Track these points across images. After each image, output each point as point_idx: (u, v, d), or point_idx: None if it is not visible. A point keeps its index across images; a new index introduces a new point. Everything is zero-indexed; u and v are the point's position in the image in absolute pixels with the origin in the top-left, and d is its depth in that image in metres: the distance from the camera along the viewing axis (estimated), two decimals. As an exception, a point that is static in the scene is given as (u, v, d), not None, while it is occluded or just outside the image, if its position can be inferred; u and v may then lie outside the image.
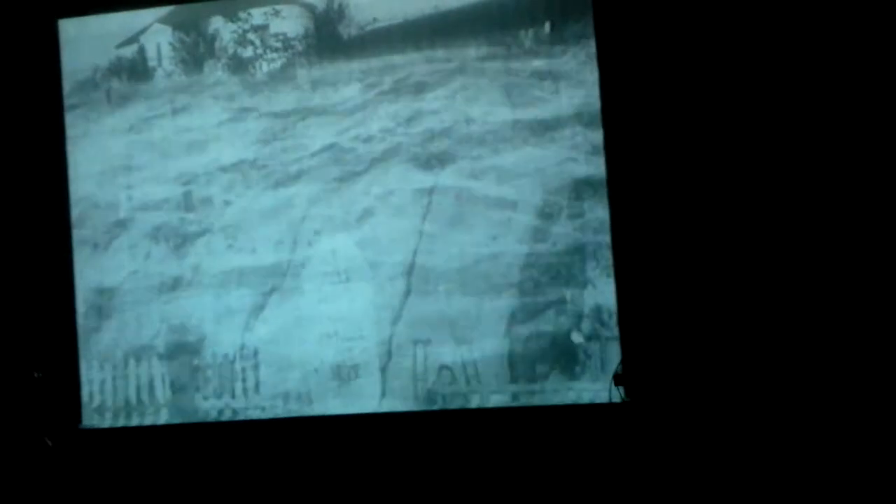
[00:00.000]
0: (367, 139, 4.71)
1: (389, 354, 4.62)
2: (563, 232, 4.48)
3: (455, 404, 4.52)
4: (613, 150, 4.39)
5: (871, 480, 3.98)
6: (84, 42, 4.97)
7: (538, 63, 4.53)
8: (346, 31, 4.76)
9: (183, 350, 4.83)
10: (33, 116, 4.94)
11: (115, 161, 4.93)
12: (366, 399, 4.63)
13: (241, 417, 4.75)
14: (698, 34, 4.29)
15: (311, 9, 4.80)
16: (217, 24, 4.89)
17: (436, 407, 4.54)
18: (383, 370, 4.63)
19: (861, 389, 4.06)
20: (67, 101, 4.96)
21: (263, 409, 4.73)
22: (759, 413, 4.13)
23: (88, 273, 4.93)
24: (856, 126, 4.13)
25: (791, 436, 4.10)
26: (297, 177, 4.77)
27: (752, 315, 4.18)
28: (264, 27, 4.84)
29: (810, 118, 4.18)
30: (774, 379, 4.15)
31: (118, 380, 4.90)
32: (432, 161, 4.63)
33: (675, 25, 4.30)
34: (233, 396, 4.77)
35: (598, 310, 4.42)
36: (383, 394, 4.64)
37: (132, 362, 4.89)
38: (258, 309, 4.77)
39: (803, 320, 4.14)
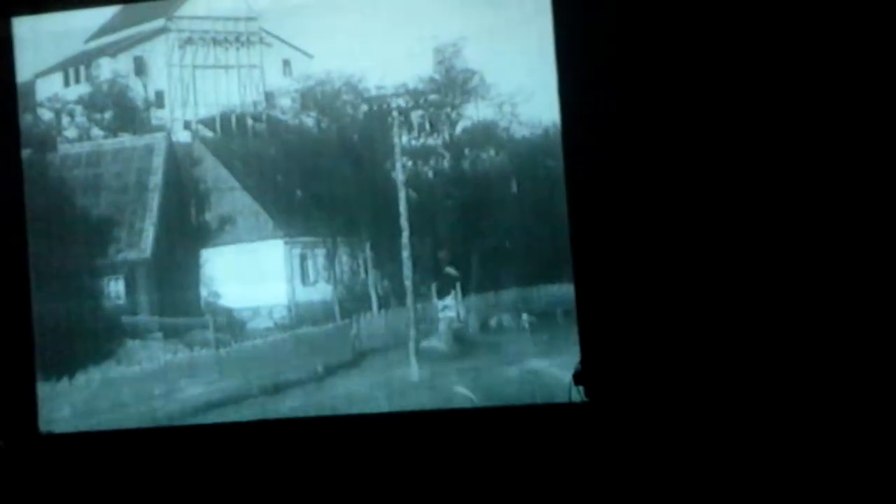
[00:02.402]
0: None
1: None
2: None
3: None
4: (571, 145, 4.36)
5: (845, 476, 3.95)
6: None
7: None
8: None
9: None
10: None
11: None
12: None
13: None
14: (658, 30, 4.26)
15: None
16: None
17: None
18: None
19: (831, 384, 4.04)
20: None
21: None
22: (722, 411, 4.10)
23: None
24: (823, 113, 4.10)
25: (755, 432, 4.08)
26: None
27: (713, 312, 4.15)
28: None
29: (777, 108, 4.16)
30: (737, 376, 4.12)
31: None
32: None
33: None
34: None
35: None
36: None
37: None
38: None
39: (766, 315, 4.12)
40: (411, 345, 4.63)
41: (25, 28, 4.93)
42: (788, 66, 4.14)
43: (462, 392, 4.43)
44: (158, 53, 4.90)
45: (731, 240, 4.17)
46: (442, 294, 4.61)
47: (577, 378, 4.15)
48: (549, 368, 4.43)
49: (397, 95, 4.65)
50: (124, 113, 4.93)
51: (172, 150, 4.89)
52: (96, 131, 4.95)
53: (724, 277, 4.15)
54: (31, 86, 4.96)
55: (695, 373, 4.13)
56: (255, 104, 4.82)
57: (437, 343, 4.61)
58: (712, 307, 4.15)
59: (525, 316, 4.53)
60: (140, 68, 4.91)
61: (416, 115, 4.64)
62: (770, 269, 4.13)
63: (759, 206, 4.15)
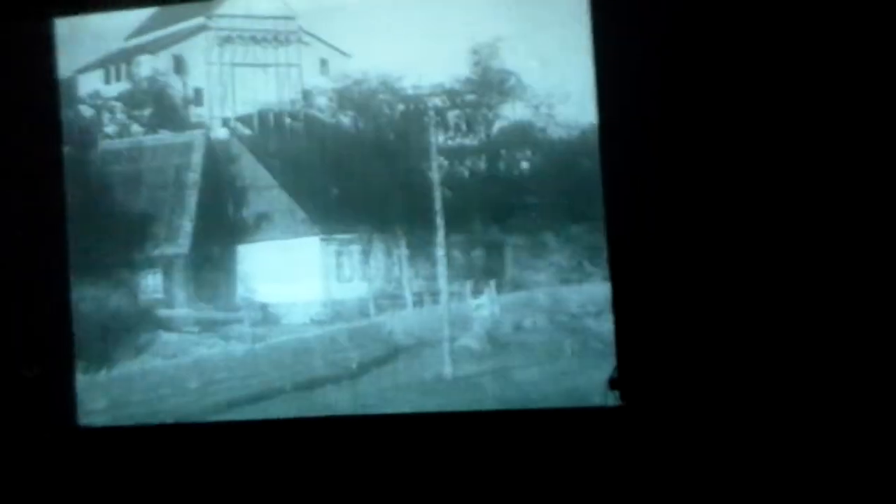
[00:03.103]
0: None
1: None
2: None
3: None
4: (608, 146, 4.35)
5: (872, 483, 3.93)
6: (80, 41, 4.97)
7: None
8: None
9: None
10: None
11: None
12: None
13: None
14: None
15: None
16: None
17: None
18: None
19: (861, 392, 4.00)
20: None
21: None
22: (756, 418, 4.07)
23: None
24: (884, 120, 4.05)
25: (789, 440, 4.05)
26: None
27: (750, 318, 4.12)
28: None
29: (817, 109, 4.12)
30: (772, 383, 4.09)
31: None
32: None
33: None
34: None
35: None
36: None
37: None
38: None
39: (802, 323, 4.09)
40: (445, 343, 4.64)
41: (67, 27, 4.99)
42: (836, 68, 4.10)
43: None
44: (198, 51, 4.94)
45: (772, 244, 4.13)
46: (476, 293, 4.62)
47: (613, 382, 4.13)
48: (584, 371, 4.43)
49: (434, 95, 4.66)
50: (163, 110, 4.97)
51: (211, 148, 4.93)
52: (136, 128, 5.00)
53: (765, 282, 4.12)
54: (72, 83, 5.02)
55: (733, 379, 4.10)
56: (292, 102, 4.85)
57: (471, 342, 4.62)
58: (753, 313, 4.11)
59: (560, 317, 4.54)
60: (179, 66, 4.96)
61: (452, 115, 4.65)
62: (814, 276, 4.09)
63: (803, 210, 4.11)
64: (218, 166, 4.93)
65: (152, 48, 4.99)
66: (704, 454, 4.06)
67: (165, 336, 4.91)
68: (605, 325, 4.41)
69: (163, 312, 4.94)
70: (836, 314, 4.05)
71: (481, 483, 4.38)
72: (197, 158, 4.93)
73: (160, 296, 4.94)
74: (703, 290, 4.17)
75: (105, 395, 4.93)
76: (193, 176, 4.92)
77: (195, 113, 4.95)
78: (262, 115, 4.88)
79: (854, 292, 4.03)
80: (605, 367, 4.27)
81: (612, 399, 4.14)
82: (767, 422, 4.07)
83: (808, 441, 4.02)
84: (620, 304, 4.33)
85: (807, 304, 4.08)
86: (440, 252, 4.65)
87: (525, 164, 4.60)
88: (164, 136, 4.97)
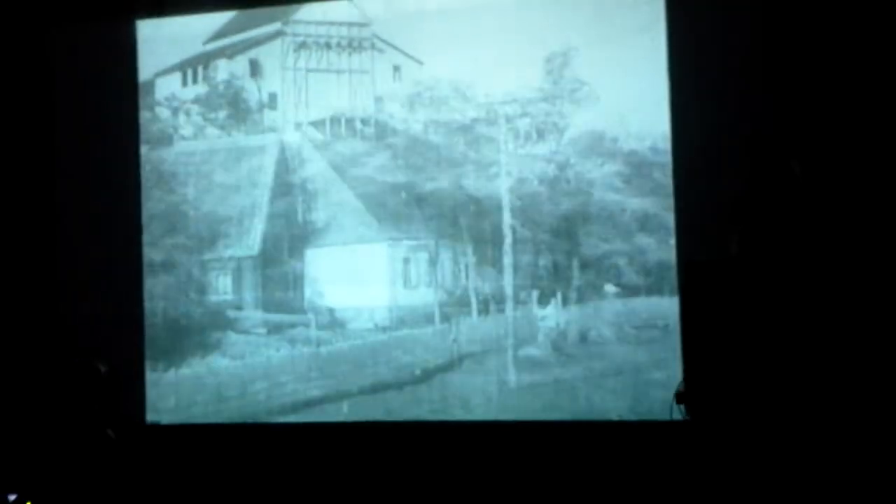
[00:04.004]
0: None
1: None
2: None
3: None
4: (681, 157, 4.30)
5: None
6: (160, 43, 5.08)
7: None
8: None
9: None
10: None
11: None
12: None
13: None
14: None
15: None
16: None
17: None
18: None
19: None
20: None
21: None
22: (822, 437, 3.97)
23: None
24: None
25: (853, 461, 3.94)
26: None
27: (821, 337, 4.02)
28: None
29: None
30: (838, 403, 3.99)
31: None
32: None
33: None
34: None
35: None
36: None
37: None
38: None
39: (876, 344, 3.97)
40: (509, 352, 4.62)
41: (147, 30, 5.10)
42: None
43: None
44: (273, 56, 5.01)
45: (845, 260, 4.04)
46: (543, 302, 4.59)
47: (679, 397, 4.06)
48: (650, 384, 4.36)
49: (505, 103, 4.65)
50: (238, 113, 5.05)
51: (283, 151, 4.99)
52: (211, 130, 5.08)
53: (835, 300, 4.02)
54: (150, 85, 5.13)
55: (799, 396, 4.00)
56: (364, 108, 4.88)
57: (535, 351, 4.59)
58: (824, 331, 4.02)
59: (626, 329, 4.48)
60: (255, 70, 5.03)
61: (523, 123, 4.64)
62: (886, 295, 3.99)
63: (880, 227, 4.01)
64: (289, 170, 4.98)
65: (229, 52, 5.08)
66: (768, 471, 3.97)
67: (234, 337, 4.97)
68: (673, 339, 4.35)
69: (231, 313, 5.00)
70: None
71: (543, 493, 4.34)
72: (269, 162, 5.00)
73: (229, 297, 5.00)
74: (773, 306, 4.08)
75: (173, 393, 5.00)
76: (265, 179, 4.99)
77: (269, 117, 5.01)
78: (335, 120, 4.92)
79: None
80: (672, 382, 4.20)
81: (679, 413, 4.06)
82: (831, 442, 3.96)
83: (874, 463, 3.90)
84: (688, 318, 4.26)
85: (880, 325, 3.97)
86: (507, 260, 4.63)
87: (595, 174, 4.56)
88: (238, 139, 5.04)
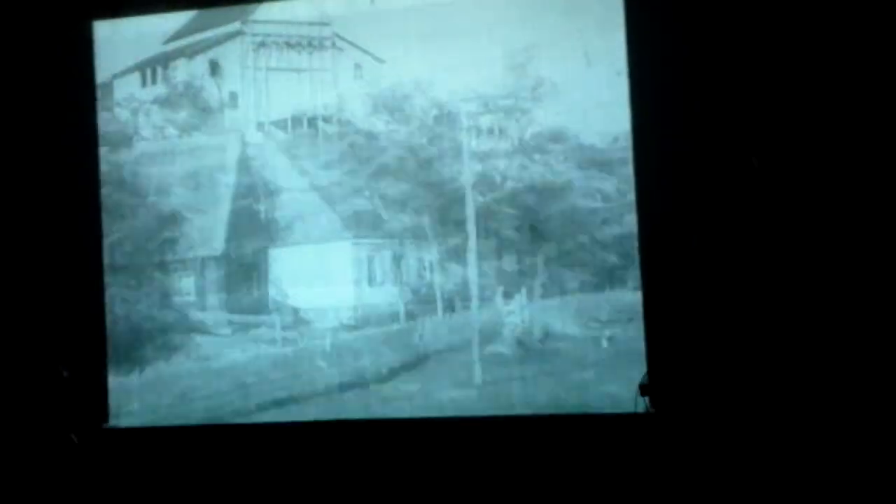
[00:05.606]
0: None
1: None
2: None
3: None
4: (641, 153, 4.33)
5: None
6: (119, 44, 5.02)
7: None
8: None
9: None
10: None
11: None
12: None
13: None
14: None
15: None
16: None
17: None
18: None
19: (890, 399, 3.96)
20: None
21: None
22: (785, 426, 4.04)
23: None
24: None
25: (818, 450, 4.01)
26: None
27: (782, 326, 4.09)
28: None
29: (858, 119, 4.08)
30: (803, 392, 4.06)
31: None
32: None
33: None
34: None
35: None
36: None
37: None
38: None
39: (834, 332, 4.05)
40: (475, 349, 4.64)
41: (105, 30, 5.05)
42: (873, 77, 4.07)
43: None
44: (233, 56, 4.98)
45: (803, 251, 4.11)
46: (507, 299, 4.62)
47: (643, 389, 4.11)
48: (614, 377, 4.40)
49: (467, 100, 4.67)
50: (199, 113, 5.02)
51: (244, 151, 4.97)
52: (171, 130, 5.05)
53: (793, 290, 4.09)
54: (109, 86, 5.08)
55: (763, 386, 4.07)
56: (326, 107, 4.88)
57: (501, 348, 4.61)
58: (784, 320, 4.08)
59: (591, 323, 4.52)
60: (215, 70, 5.00)
61: (485, 120, 4.66)
62: (846, 285, 4.06)
63: (841, 218, 4.07)
64: (251, 170, 4.96)
65: (189, 52, 5.04)
66: (733, 460, 4.03)
67: (198, 338, 4.94)
68: (636, 333, 4.39)
69: (195, 315, 4.97)
70: (874, 324, 4.00)
71: (509, 488, 4.37)
72: (231, 161, 4.97)
73: (192, 298, 4.97)
74: (734, 297, 4.14)
75: (137, 397, 4.96)
76: (227, 178, 4.96)
77: (230, 116, 4.99)
78: (296, 119, 4.91)
79: (886, 295, 3.99)
80: (636, 374, 4.25)
81: (643, 406, 4.11)
82: (796, 430, 4.03)
83: (838, 448, 3.97)
84: (651, 312, 4.31)
85: (838, 314, 4.04)
86: (471, 257, 4.65)
87: (558, 170, 4.59)
88: (199, 139, 5.01)
